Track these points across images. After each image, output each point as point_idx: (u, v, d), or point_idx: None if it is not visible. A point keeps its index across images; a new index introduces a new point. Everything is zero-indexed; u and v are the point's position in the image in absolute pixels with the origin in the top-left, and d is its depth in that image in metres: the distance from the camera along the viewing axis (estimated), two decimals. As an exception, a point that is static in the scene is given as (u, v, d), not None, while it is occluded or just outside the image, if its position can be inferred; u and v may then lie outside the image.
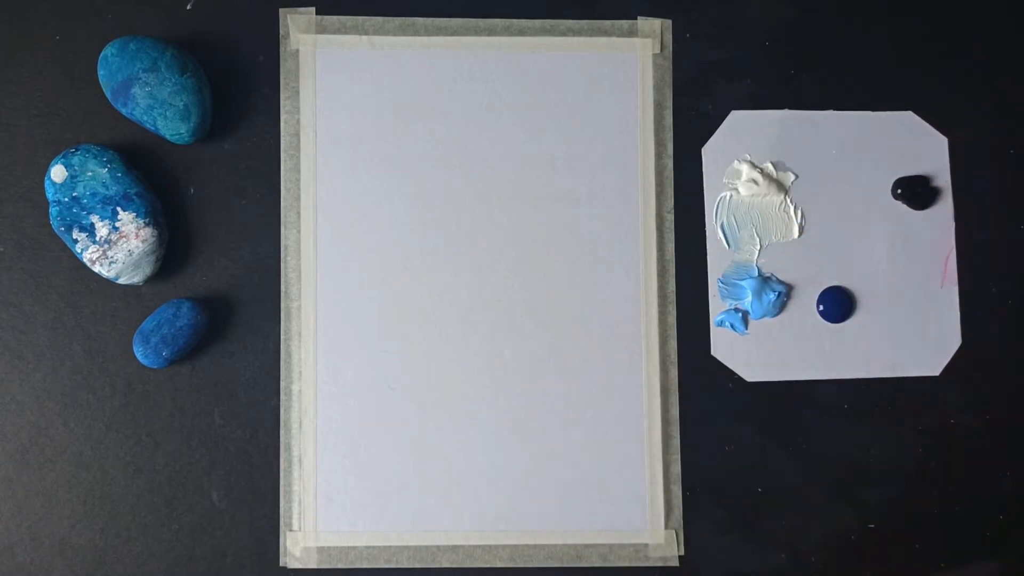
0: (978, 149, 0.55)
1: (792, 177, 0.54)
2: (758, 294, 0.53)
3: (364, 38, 0.53)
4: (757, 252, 0.54)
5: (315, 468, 0.51)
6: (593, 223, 0.53)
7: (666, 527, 0.52)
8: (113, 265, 0.50)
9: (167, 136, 0.50)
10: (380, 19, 0.53)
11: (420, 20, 0.54)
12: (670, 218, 0.54)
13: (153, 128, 0.50)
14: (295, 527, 0.51)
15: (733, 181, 0.54)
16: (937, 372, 0.54)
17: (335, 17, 0.53)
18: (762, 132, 0.54)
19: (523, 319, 0.53)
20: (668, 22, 0.55)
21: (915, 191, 0.55)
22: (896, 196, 0.55)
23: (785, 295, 0.54)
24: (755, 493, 0.53)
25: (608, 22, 0.54)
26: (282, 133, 0.53)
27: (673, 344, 0.53)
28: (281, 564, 0.51)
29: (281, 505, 0.51)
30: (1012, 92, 0.56)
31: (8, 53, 0.52)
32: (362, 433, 0.52)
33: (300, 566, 0.51)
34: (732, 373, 0.54)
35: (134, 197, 0.50)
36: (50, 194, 0.50)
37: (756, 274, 0.54)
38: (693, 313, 0.54)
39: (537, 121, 0.53)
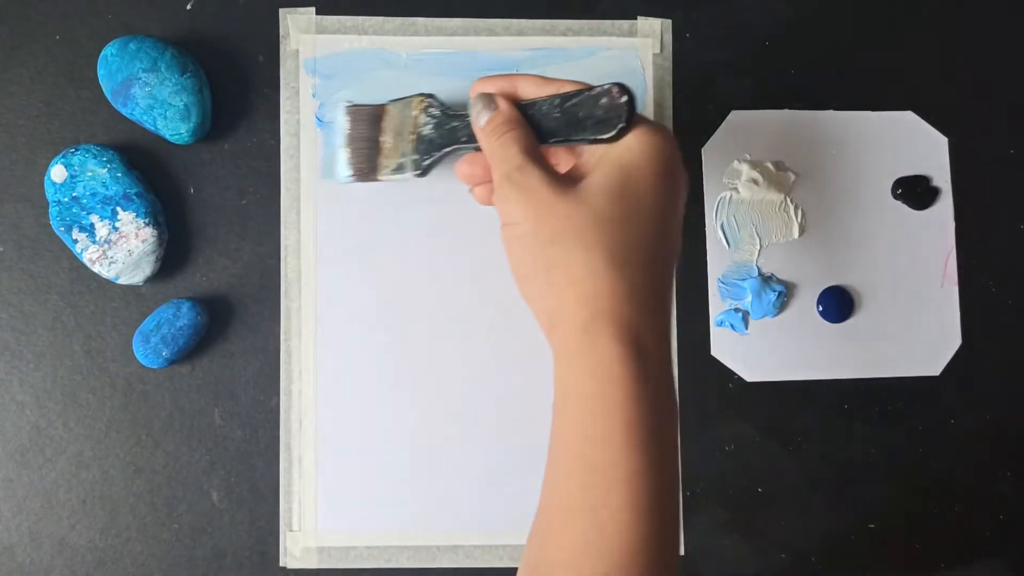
0: (978, 149, 0.55)
1: (792, 177, 0.54)
2: (758, 294, 0.53)
3: (364, 38, 0.53)
4: (757, 252, 0.54)
5: (315, 468, 0.51)
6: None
7: (666, 527, 0.52)
8: (113, 265, 0.50)
9: (167, 136, 0.50)
10: (380, 19, 0.53)
11: (420, 20, 0.54)
12: (670, 218, 0.54)
13: (153, 128, 0.50)
14: (295, 527, 0.51)
15: (733, 181, 0.54)
16: (937, 372, 0.54)
17: (335, 17, 0.53)
18: (762, 132, 0.54)
19: (525, 318, 0.53)
20: (668, 22, 0.55)
21: (915, 191, 0.55)
22: (896, 196, 0.55)
23: (785, 295, 0.54)
24: (755, 493, 0.53)
25: (608, 22, 0.54)
26: (282, 133, 0.53)
27: (673, 344, 0.53)
28: (281, 564, 0.51)
29: (281, 505, 0.51)
30: (1012, 92, 0.56)
31: (8, 53, 0.52)
32: (362, 433, 0.52)
33: (300, 566, 0.51)
34: (732, 373, 0.54)
35: (134, 197, 0.50)
36: (50, 194, 0.50)
37: (756, 274, 0.54)
38: (693, 313, 0.54)
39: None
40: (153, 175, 0.52)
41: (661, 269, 0.38)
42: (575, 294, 0.37)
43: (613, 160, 0.39)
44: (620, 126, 0.39)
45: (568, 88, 0.42)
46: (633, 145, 0.39)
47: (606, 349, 0.36)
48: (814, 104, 0.55)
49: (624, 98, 0.40)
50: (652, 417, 0.35)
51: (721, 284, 0.54)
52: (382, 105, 0.48)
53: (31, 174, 0.52)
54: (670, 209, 0.39)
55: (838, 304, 0.54)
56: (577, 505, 0.35)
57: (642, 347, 0.36)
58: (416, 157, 0.47)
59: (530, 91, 0.43)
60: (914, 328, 0.54)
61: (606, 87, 0.40)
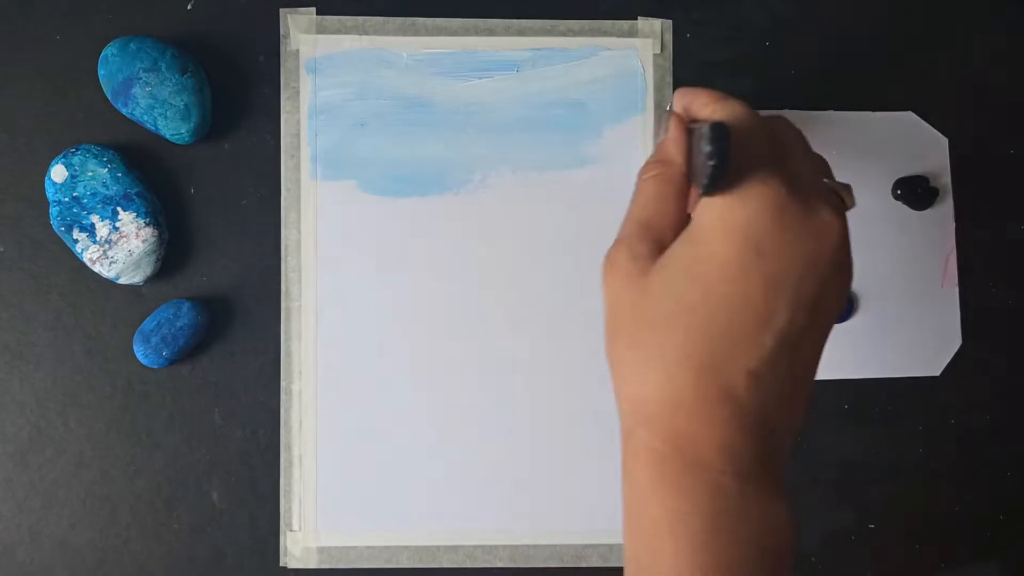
0: (978, 149, 0.55)
1: (792, 177, 0.54)
2: (758, 294, 0.53)
3: (364, 38, 0.53)
4: (757, 252, 0.54)
5: (315, 468, 0.51)
6: (593, 223, 0.53)
7: (666, 527, 0.52)
8: (113, 265, 0.50)
9: (167, 136, 0.50)
10: (380, 19, 0.53)
11: (420, 20, 0.54)
12: (670, 218, 0.54)
13: (153, 128, 0.50)
14: (295, 527, 0.51)
15: (733, 181, 0.54)
16: (937, 372, 0.54)
17: (335, 17, 0.53)
18: (762, 132, 0.54)
19: (525, 318, 0.53)
20: (668, 22, 0.55)
21: (915, 191, 0.54)
22: (896, 196, 0.55)
23: (785, 295, 0.53)
24: (755, 493, 0.53)
25: (608, 22, 0.54)
26: (282, 133, 0.53)
27: (673, 344, 0.53)
28: (281, 564, 0.51)
29: (281, 505, 0.51)
30: (1012, 92, 0.56)
31: (8, 53, 0.52)
32: (362, 433, 0.52)
33: (300, 566, 0.51)
34: (732, 373, 0.54)
35: (134, 197, 0.50)
36: (50, 194, 0.50)
37: (756, 274, 0.54)
38: (693, 313, 0.54)
39: (536, 121, 0.53)
40: (153, 175, 0.52)
41: (740, 363, 0.32)
42: (624, 397, 0.34)
43: (687, 232, 0.33)
44: (704, 184, 0.31)
45: (726, 111, 0.34)
46: (705, 213, 0.32)
47: (644, 464, 0.33)
48: (814, 104, 0.55)
49: (709, 147, 0.30)
50: (709, 537, 0.32)
51: (721, 284, 0.54)
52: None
53: (31, 174, 0.52)
54: (759, 294, 0.31)
55: (838, 304, 0.54)
56: None
57: (693, 459, 0.32)
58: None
59: (703, 109, 0.36)
60: (914, 328, 0.54)
61: (707, 129, 0.31)
